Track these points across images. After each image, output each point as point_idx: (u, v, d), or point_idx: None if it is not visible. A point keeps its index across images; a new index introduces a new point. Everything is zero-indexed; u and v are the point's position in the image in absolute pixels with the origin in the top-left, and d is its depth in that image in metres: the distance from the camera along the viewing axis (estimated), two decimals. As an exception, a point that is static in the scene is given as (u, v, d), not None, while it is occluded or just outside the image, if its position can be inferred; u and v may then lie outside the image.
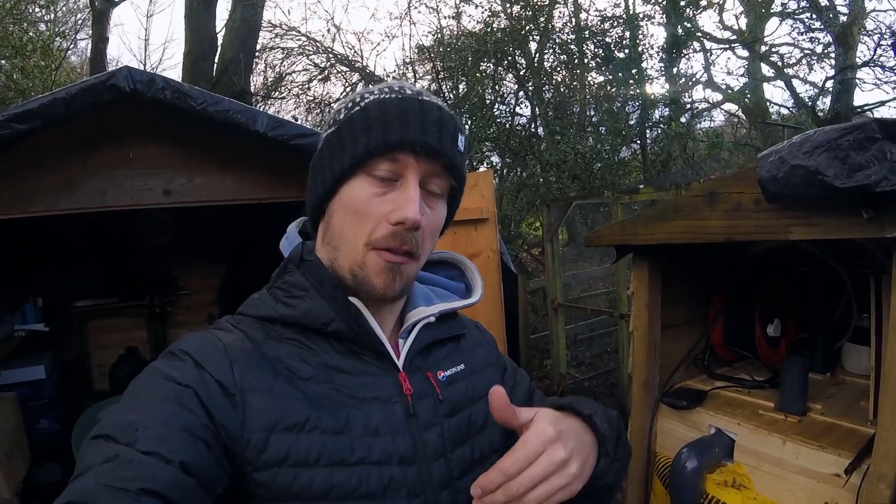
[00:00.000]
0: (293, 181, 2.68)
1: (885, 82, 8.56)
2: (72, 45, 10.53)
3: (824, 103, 9.18)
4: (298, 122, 8.54)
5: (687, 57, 9.00)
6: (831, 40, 8.63)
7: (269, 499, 0.65)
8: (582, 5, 8.52)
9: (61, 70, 9.11)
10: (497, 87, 8.38)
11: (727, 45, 9.89)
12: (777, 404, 1.81)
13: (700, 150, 9.44)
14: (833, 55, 8.81)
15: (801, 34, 9.01)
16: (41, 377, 3.60)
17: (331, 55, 9.62)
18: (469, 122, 7.55)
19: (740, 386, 2.02)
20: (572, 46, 8.37)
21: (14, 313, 3.84)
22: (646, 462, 2.03)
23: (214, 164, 2.67)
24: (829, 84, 8.93)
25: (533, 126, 8.82)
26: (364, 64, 9.55)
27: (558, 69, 8.66)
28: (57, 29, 9.57)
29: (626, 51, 8.06)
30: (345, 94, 9.34)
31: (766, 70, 9.94)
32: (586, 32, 8.21)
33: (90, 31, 9.67)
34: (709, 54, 9.86)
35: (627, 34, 8.18)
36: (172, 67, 16.37)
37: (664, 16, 8.13)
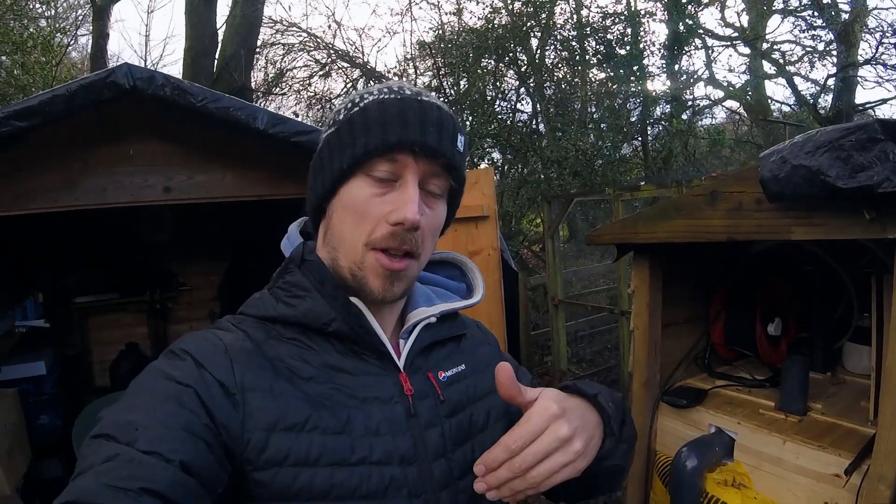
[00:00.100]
0: (293, 178, 2.68)
1: (887, 80, 8.57)
2: (72, 42, 10.54)
3: (826, 101, 9.19)
4: (299, 119, 8.55)
5: (688, 54, 9.00)
6: (833, 38, 8.62)
7: (269, 498, 0.65)
8: (583, 2, 8.51)
9: (62, 66, 9.09)
10: (498, 84, 8.37)
11: (729, 43, 9.88)
12: (777, 404, 1.81)
13: (701, 148, 9.42)
14: (835, 53, 8.80)
15: (803, 32, 9.02)
16: (42, 373, 3.60)
17: (332, 51, 9.62)
18: (470, 118, 7.55)
19: (740, 385, 2.02)
20: (573, 43, 8.36)
21: (15, 310, 3.84)
22: (646, 461, 2.04)
23: (215, 161, 2.66)
24: (831, 82, 8.93)
25: (534, 123, 8.83)
26: (365, 60, 9.55)
27: (559, 66, 8.65)
28: (57, 25, 9.54)
29: (628, 47, 8.05)
30: (346, 90, 9.34)
31: (767, 67, 9.93)
32: (588, 29, 8.20)
33: (91, 28, 9.66)
34: (710, 51, 9.84)
35: (629, 31, 8.17)
36: (173, 63, 16.38)
37: (665, 12, 8.12)
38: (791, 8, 9.03)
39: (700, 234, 1.66)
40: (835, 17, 8.34)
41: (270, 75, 10.24)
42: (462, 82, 8.02)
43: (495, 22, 7.98)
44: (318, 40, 9.71)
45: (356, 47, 9.73)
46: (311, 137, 2.41)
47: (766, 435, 1.69)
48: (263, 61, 10.21)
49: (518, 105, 8.83)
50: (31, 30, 8.05)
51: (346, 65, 9.64)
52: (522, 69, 8.40)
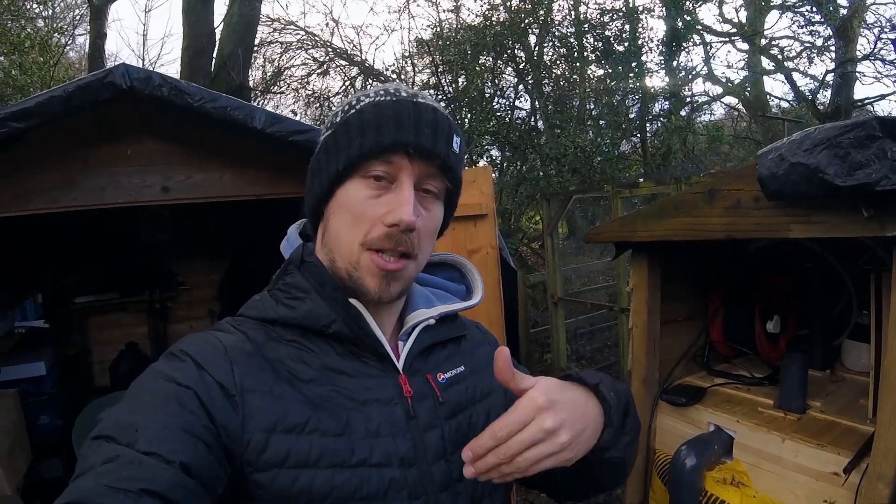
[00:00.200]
0: (292, 177, 2.67)
1: (886, 76, 8.56)
2: (70, 41, 10.48)
3: (824, 97, 9.19)
4: (297, 117, 8.53)
5: (687, 50, 8.99)
6: (831, 33, 8.63)
7: (269, 500, 0.66)
8: (581, -2, 8.49)
9: (60, 66, 9.07)
10: (496, 81, 8.36)
11: (727, 39, 9.88)
12: (776, 401, 1.81)
13: (700, 144, 9.42)
14: (833, 48, 8.80)
15: (801, 27, 9.02)
16: (42, 373, 3.60)
17: (329, 49, 9.58)
18: (468, 115, 7.53)
19: (739, 383, 2.02)
20: (572, 40, 8.34)
21: (14, 310, 3.84)
22: (645, 459, 2.04)
23: (213, 161, 2.66)
24: (830, 77, 8.94)
25: (532, 120, 8.81)
26: (363, 58, 9.51)
27: (558, 62, 8.63)
28: (55, 25, 9.51)
29: (626, 44, 8.03)
30: (344, 88, 9.32)
31: (766, 63, 9.93)
32: (586, 26, 8.18)
33: (88, 27, 9.63)
34: (709, 47, 9.87)
35: (627, 27, 8.17)
36: (171, 62, 16.37)
37: (664, 9, 8.12)
38: (789, 3, 9.03)
39: (698, 233, 1.66)
40: (833, 13, 8.34)
41: (268, 74, 10.23)
42: (460, 80, 8.00)
43: (493, 19, 7.96)
44: (316, 38, 9.69)
45: (354, 45, 9.69)
46: (308, 136, 2.41)
47: (765, 433, 1.69)
48: (261, 60, 10.20)
49: (516, 102, 8.83)
50: (29, 30, 8.03)
51: (344, 63, 9.61)
52: (521, 66, 8.38)
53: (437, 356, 0.84)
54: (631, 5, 8.33)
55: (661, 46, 8.38)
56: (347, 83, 9.41)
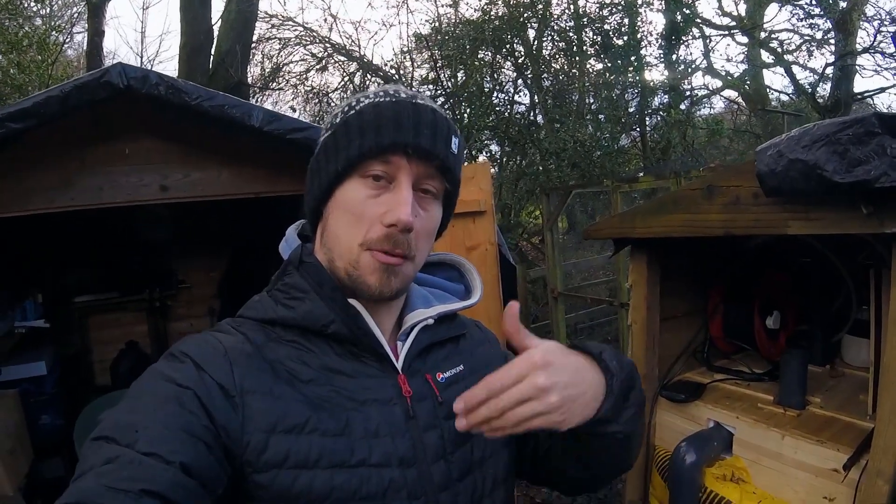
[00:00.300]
0: (290, 174, 2.68)
1: (886, 69, 8.55)
2: (68, 40, 10.45)
3: (824, 90, 9.16)
4: (296, 113, 8.52)
5: (686, 44, 8.94)
6: (831, 26, 8.59)
7: (269, 500, 0.66)
8: (580, -8, 8.45)
9: (58, 64, 9.05)
10: (495, 76, 8.33)
11: (726, 32, 9.84)
12: (776, 397, 1.81)
13: (700, 138, 9.39)
14: (833, 41, 8.77)
15: (801, 20, 8.99)
16: (42, 373, 3.60)
17: (328, 45, 9.55)
18: (468, 110, 7.52)
19: (739, 378, 2.02)
20: (571, 34, 8.31)
21: (15, 310, 3.84)
22: (645, 455, 2.04)
23: (211, 159, 2.66)
24: (829, 70, 8.91)
25: (532, 114, 8.78)
26: (362, 53, 9.48)
27: (557, 57, 8.60)
28: (53, 23, 9.47)
29: (625, 38, 8.01)
30: (343, 83, 9.31)
31: (765, 56, 9.89)
32: (584, 19, 8.15)
33: (86, 25, 9.58)
34: (708, 41, 9.81)
35: (626, 21, 8.13)
36: (169, 60, 16.34)
37: (663, 2, 8.07)
38: (789, -4, 8.99)
39: (697, 229, 1.66)
40: (832, 6, 8.31)
41: (267, 70, 10.21)
42: (459, 74, 7.98)
43: (492, 13, 7.92)
44: (315, 34, 9.66)
45: (353, 41, 9.68)
46: (306, 134, 2.41)
47: (765, 429, 1.69)
48: (260, 56, 10.19)
49: (516, 97, 8.79)
50: (27, 28, 8.00)
51: (342, 58, 9.59)
52: (520, 61, 8.36)
53: (436, 356, 0.84)
54: (629, -1, 8.29)
55: (660, 40, 8.36)
56: (346, 79, 9.39)
